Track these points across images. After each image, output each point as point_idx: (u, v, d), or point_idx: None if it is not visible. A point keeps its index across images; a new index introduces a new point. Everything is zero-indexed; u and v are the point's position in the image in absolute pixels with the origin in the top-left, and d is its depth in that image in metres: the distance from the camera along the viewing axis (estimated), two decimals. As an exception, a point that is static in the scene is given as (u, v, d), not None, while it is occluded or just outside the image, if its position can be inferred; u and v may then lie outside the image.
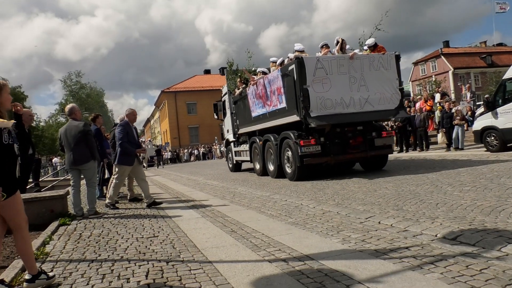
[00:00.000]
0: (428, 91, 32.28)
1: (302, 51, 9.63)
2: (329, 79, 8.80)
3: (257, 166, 11.86)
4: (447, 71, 49.87)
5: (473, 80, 48.64)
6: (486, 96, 15.29)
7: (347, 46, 9.82)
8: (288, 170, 9.72)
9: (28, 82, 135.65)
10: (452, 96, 34.78)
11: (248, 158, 12.59)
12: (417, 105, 18.13)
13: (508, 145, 11.13)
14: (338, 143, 9.28)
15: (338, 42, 9.70)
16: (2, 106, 3.09)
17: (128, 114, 7.45)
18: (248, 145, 12.47)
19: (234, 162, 14.93)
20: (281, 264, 3.20)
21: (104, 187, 9.17)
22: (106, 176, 8.76)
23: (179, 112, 49.83)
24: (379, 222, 4.29)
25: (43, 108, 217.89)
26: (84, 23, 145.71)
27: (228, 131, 14.87)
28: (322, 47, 9.72)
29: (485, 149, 11.73)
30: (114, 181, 7.34)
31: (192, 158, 41.77)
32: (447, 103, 14.74)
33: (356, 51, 9.72)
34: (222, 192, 8.64)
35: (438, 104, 18.13)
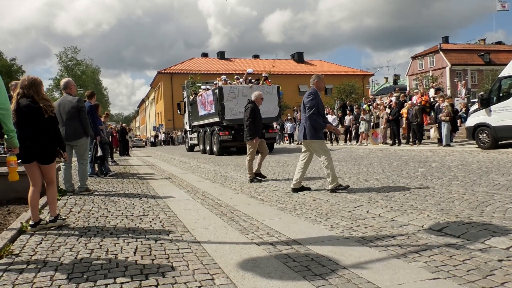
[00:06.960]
0: (424, 86, 32.34)
1: (225, 81, 16.16)
2: (237, 99, 15.09)
3: (201, 147, 18.69)
4: (445, 67, 49.92)
5: (469, 77, 48.77)
6: (481, 93, 15.35)
7: (250, 78, 17.00)
8: (215, 149, 16.28)
9: (25, 55, 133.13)
10: (448, 92, 34.89)
11: (197, 142, 19.64)
12: (413, 99, 18.16)
13: (499, 142, 11.25)
14: (242, 135, 14.92)
15: (247, 78, 16.71)
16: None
17: (317, 80, 5.93)
18: (196, 133, 19.69)
19: (189, 144, 22.01)
20: (269, 247, 3.24)
21: (96, 165, 9.14)
22: (99, 154, 8.72)
23: (174, 94, 49.43)
24: (368, 211, 4.34)
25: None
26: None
27: (186, 123, 21.64)
28: (236, 78, 16.80)
29: (477, 146, 11.85)
30: (301, 162, 5.95)
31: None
32: (441, 98, 14.78)
33: (260, 83, 16.34)
34: (213, 176, 8.67)
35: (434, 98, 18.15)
